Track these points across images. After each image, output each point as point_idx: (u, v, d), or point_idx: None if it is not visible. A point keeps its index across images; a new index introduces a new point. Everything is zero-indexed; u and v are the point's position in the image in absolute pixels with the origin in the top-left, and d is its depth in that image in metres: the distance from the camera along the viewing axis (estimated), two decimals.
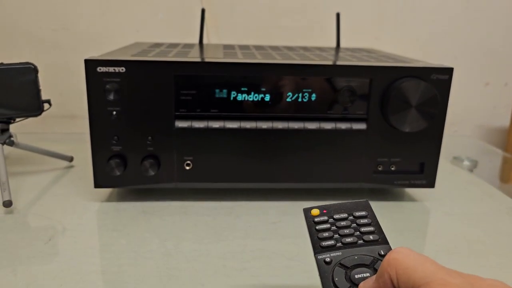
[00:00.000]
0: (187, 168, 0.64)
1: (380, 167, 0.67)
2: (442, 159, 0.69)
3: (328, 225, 0.36)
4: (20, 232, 0.57)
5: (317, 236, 0.35)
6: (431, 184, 0.68)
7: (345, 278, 0.32)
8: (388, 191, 0.73)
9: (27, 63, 0.66)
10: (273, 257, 0.53)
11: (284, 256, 0.53)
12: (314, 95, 0.64)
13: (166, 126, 0.62)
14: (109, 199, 0.67)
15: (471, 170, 0.88)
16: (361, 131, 0.65)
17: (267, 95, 0.63)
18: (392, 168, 0.67)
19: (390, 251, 0.30)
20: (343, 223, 0.36)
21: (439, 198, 0.72)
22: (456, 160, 0.90)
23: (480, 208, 0.69)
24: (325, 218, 0.36)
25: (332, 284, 0.32)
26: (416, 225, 0.63)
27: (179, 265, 0.50)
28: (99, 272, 0.49)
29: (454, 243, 0.58)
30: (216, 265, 0.50)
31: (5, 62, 0.67)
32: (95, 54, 0.67)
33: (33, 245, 0.53)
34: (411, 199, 0.71)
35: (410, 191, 0.74)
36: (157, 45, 0.84)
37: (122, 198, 0.67)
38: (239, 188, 0.70)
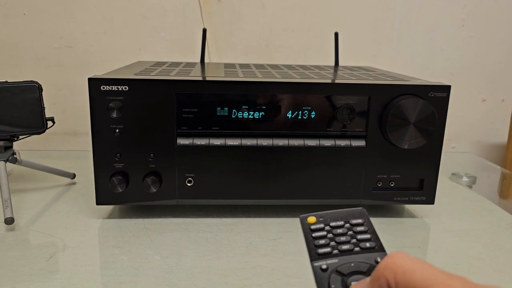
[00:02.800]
0: (189, 185, 0.65)
1: (379, 183, 0.67)
2: (441, 175, 0.69)
3: (325, 233, 0.36)
4: (21, 249, 0.57)
5: (314, 244, 0.35)
6: (430, 200, 0.69)
7: (342, 285, 0.32)
8: (387, 208, 0.73)
9: (32, 81, 0.67)
10: (273, 273, 0.53)
11: (285, 273, 0.53)
12: (313, 112, 0.65)
13: (168, 144, 0.63)
14: (111, 216, 0.67)
15: (470, 186, 0.88)
16: (361, 148, 0.66)
17: (267, 113, 0.64)
18: (392, 185, 0.67)
19: (387, 255, 0.29)
20: (339, 230, 0.36)
21: (438, 214, 0.72)
22: (455, 176, 0.91)
23: (479, 224, 0.69)
24: (322, 225, 0.36)
25: None
26: (416, 242, 0.64)
27: (180, 282, 0.50)
28: None
29: (454, 259, 0.58)
30: (217, 282, 0.50)
31: (10, 80, 0.68)
32: (97, 72, 0.68)
33: (34, 263, 0.53)
34: (411, 215, 0.72)
35: (410, 207, 0.75)
36: (159, 64, 0.86)
37: (124, 215, 0.68)
38: (240, 205, 0.71)
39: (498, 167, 1.06)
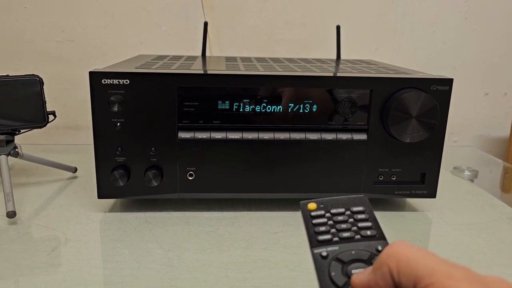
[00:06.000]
0: (190, 178, 0.65)
1: (381, 177, 0.67)
2: (442, 169, 0.69)
3: (325, 220, 0.35)
4: (23, 242, 0.57)
5: (314, 230, 0.34)
6: (432, 194, 0.68)
7: (342, 272, 0.31)
8: (389, 201, 0.73)
9: (33, 75, 0.67)
10: (274, 267, 0.53)
11: (286, 266, 0.53)
12: (315, 106, 0.65)
13: (169, 137, 0.63)
14: (112, 209, 0.68)
15: (472, 180, 0.88)
16: (362, 141, 0.65)
17: (268, 106, 0.64)
18: (393, 178, 0.67)
19: (390, 244, 0.29)
20: (340, 217, 0.35)
21: (440, 208, 0.72)
22: (457, 170, 0.90)
23: (481, 218, 0.69)
24: (322, 212, 0.36)
25: (328, 278, 0.31)
26: (418, 235, 0.64)
27: (182, 275, 0.50)
28: (102, 283, 0.49)
29: (456, 253, 0.58)
30: (218, 275, 0.51)
31: (11, 73, 0.68)
32: (99, 66, 0.68)
33: (36, 256, 0.54)
34: (412, 209, 0.72)
35: (411, 201, 0.74)
36: (161, 57, 0.85)
37: (126, 208, 0.68)
38: (241, 199, 0.71)
39: (500, 161, 1.06)
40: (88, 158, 0.80)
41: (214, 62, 0.81)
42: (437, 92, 0.64)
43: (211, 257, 0.54)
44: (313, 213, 0.36)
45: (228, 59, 0.87)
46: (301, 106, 0.65)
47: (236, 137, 0.64)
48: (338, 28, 0.93)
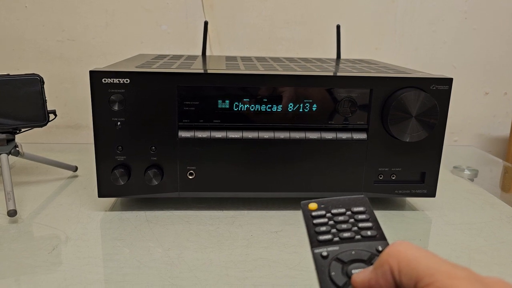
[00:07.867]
0: (190, 177, 0.65)
1: (381, 176, 0.67)
2: (442, 168, 0.69)
3: (326, 220, 0.35)
4: (24, 241, 0.57)
5: (314, 230, 0.35)
6: (432, 193, 0.69)
7: (342, 272, 0.32)
8: (389, 201, 0.74)
9: (33, 74, 0.68)
10: (274, 266, 0.53)
11: (286, 265, 0.53)
12: (315, 105, 0.65)
13: (170, 136, 0.63)
14: (113, 208, 0.68)
15: (471, 180, 0.88)
16: (362, 141, 0.66)
17: (268, 105, 0.64)
18: (393, 178, 0.67)
19: (392, 243, 0.29)
20: (341, 218, 0.35)
21: (440, 208, 0.72)
22: (457, 169, 0.90)
23: (481, 217, 0.69)
24: (323, 212, 0.36)
25: (328, 278, 0.31)
26: (418, 235, 0.64)
27: (182, 274, 0.50)
28: (103, 281, 0.49)
29: (456, 252, 0.58)
30: (218, 274, 0.51)
31: (11, 73, 0.68)
32: (99, 65, 0.68)
33: (37, 255, 0.54)
34: (412, 208, 0.72)
35: (411, 200, 0.75)
36: (161, 56, 0.85)
37: (126, 207, 0.68)
38: (241, 198, 0.71)
39: (500, 160, 1.06)
40: (89, 157, 0.80)
41: (214, 62, 0.81)
42: (437, 91, 0.64)
43: (212, 256, 0.55)
44: (314, 213, 0.36)
45: (228, 58, 0.87)
46: (301, 105, 0.65)
47: (236, 136, 0.64)
48: (338, 27, 0.93)
